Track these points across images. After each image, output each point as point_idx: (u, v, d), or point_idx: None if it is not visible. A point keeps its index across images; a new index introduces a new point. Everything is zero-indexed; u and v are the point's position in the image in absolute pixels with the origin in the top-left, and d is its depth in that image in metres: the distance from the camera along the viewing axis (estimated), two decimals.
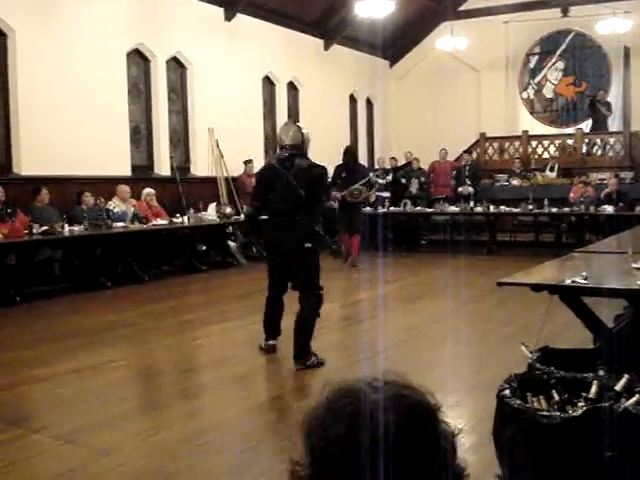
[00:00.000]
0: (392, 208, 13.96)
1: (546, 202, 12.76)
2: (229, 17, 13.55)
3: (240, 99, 13.72)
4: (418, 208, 14.03)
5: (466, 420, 4.17)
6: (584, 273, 3.93)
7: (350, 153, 12.11)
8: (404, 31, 17.73)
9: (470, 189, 14.70)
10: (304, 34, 15.65)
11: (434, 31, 17.92)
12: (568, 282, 3.85)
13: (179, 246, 11.30)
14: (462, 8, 17.51)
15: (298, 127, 5.76)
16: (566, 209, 12.82)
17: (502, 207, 13.38)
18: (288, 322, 5.79)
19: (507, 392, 3.15)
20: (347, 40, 16.72)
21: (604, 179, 14.15)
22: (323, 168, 5.73)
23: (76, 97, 10.55)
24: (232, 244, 12.04)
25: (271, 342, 5.93)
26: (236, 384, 5.34)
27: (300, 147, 5.63)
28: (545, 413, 2.94)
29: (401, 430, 1.09)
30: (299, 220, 5.50)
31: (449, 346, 6.24)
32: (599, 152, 16.17)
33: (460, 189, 14.83)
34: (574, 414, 2.91)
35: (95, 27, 10.90)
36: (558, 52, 17.25)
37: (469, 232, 14.28)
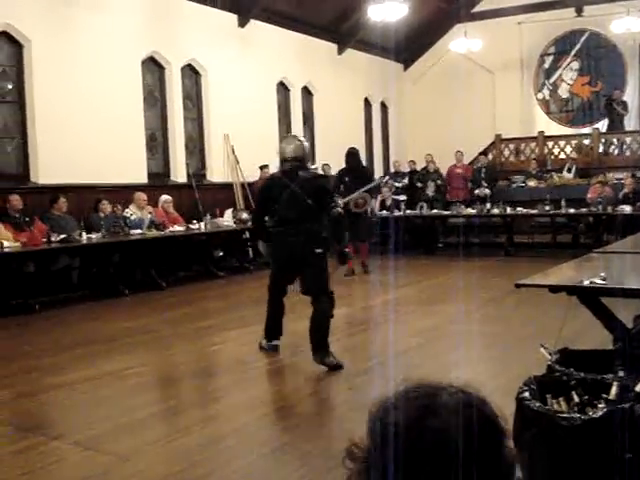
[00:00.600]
0: (408, 211, 13.94)
1: (563, 203, 12.70)
2: (243, 23, 13.60)
3: (255, 105, 13.76)
4: (434, 211, 13.99)
5: None
6: (602, 274, 3.90)
7: (353, 156, 11.10)
8: (418, 34, 17.71)
9: (487, 191, 14.65)
10: (318, 39, 15.68)
11: (448, 33, 17.91)
12: (586, 283, 3.82)
13: (196, 252, 11.33)
14: (475, 10, 17.48)
15: (299, 140, 5.93)
16: (583, 209, 12.75)
17: (519, 209, 13.32)
18: (301, 325, 5.79)
19: (526, 394, 3.13)
20: (361, 44, 16.74)
21: (621, 179, 14.06)
22: (326, 177, 5.98)
23: (92, 105, 10.62)
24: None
25: (275, 342, 6.13)
26: (254, 389, 5.34)
27: (302, 159, 5.79)
28: (565, 415, 2.92)
29: (464, 437, 1.10)
30: (308, 227, 5.68)
31: (467, 348, 6.21)
32: (616, 152, 16.08)
33: (477, 191, 14.79)
34: (594, 416, 2.89)
35: (110, 36, 10.98)
36: (573, 52, 17.18)
37: (486, 234, 14.25)
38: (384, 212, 13.79)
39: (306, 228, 5.67)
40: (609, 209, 12.36)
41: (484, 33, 16.42)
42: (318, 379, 5.48)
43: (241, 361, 6.18)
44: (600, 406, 3.10)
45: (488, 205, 13.45)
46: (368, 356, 6.20)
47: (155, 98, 12.28)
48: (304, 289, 5.83)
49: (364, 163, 13.29)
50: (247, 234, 11.97)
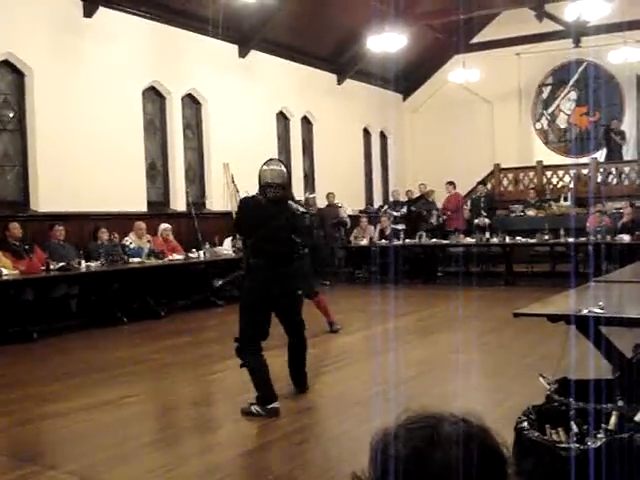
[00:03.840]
0: (407, 240, 13.95)
1: (562, 232, 12.71)
2: (243, 54, 13.72)
3: (255, 134, 13.83)
4: (434, 240, 14.00)
5: None
6: (601, 303, 3.90)
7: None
8: (417, 64, 17.88)
9: (486, 220, 14.68)
10: (317, 69, 15.83)
11: (446, 64, 18.06)
12: (584, 312, 3.81)
13: (195, 281, 11.31)
14: (474, 41, 17.64)
15: (284, 166, 5.57)
16: (582, 239, 12.75)
17: (518, 238, 13.33)
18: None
19: (525, 424, 3.12)
20: (360, 74, 16.89)
21: (620, 208, 14.09)
22: (309, 214, 5.93)
23: (92, 134, 10.68)
24: None
25: (276, 404, 5.25)
26: (252, 418, 5.30)
27: (287, 186, 5.44)
28: (564, 445, 2.91)
29: (466, 467, 1.09)
30: (295, 267, 5.45)
31: (467, 378, 6.18)
32: (614, 181, 16.14)
33: (476, 220, 14.82)
34: (592, 446, 2.87)
35: (111, 65, 11.07)
36: (571, 82, 17.33)
37: (485, 263, 14.24)
38: (383, 241, 13.80)
39: (293, 268, 5.42)
40: (608, 238, 12.37)
41: (483, 64, 16.55)
42: (316, 408, 5.45)
43: (239, 390, 6.14)
44: (599, 436, 3.09)
45: (487, 234, 13.45)
46: (367, 385, 6.17)
47: (155, 127, 12.35)
48: (287, 328, 5.66)
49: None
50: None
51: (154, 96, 12.31)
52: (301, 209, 5.64)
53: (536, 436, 2.98)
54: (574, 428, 3.22)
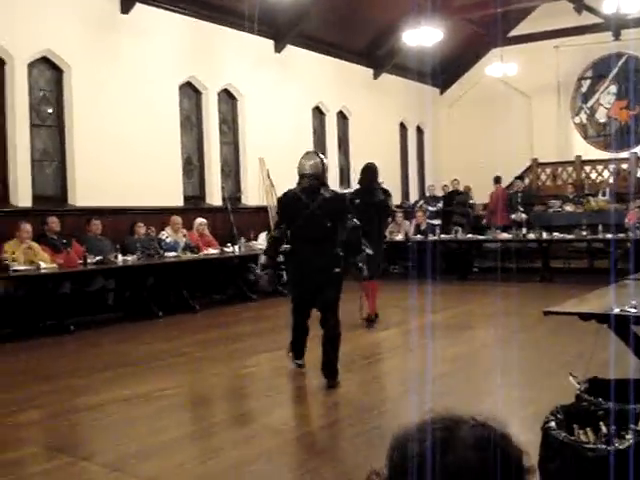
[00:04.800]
0: (443, 235, 13.88)
1: (600, 228, 12.54)
2: (279, 49, 13.75)
3: (290, 129, 13.86)
4: (469, 235, 13.90)
5: None
6: (633, 302, 3.85)
7: (364, 173, 9.29)
8: (454, 58, 17.75)
9: (523, 215, 14.53)
10: (353, 64, 15.80)
11: (484, 58, 17.89)
12: (616, 311, 3.77)
13: (230, 275, 11.38)
14: (512, 34, 17.44)
15: (319, 157, 6.03)
16: (621, 235, 12.56)
17: (555, 233, 13.17)
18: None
19: (552, 424, 3.09)
20: (396, 69, 16.82)
21: None
22: (344, 196, 6.36)
23: (129, 130, 10.80)
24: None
25: (300, 361, 6.27)
26: (284, 412, 5.35)
27: (321, 176, 5.90)
28: (591, 446, 2.88)
29: (480, 472, 1.09)
30: (327, 247, 5.81)
31: (498, 376, 6.13)
32: None
33: (513, 216, 14.67)
34: (620, 447, 2.83)
35: (148, 61, 11.18)
36: (610, 76, 17.04)
37: (522, 259, 14.10)
38: (419, 236, 13.75)
39: (324, 248, 5.79)
40: None
41: (520, 57, 16.38)
42: (347, 404, 5.47)
43: (271, 385, 6.19)
44: (627, 437, 3.05)
45: (524, 230, 13.31)
46: (400, 381, 6.18)
47: (192, 123, 12.44)
48: (318, 305, 5.96)
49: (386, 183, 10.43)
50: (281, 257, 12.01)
51: (190, 92, 12.40)
52: (333, 193, 6.00)
53: (563, 436, 2.95)
54: (603, 429, 3.18)
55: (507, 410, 5.06)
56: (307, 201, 5.80)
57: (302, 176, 5.92)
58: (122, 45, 10.87)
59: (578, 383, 3.79)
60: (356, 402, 5.45)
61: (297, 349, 6.25)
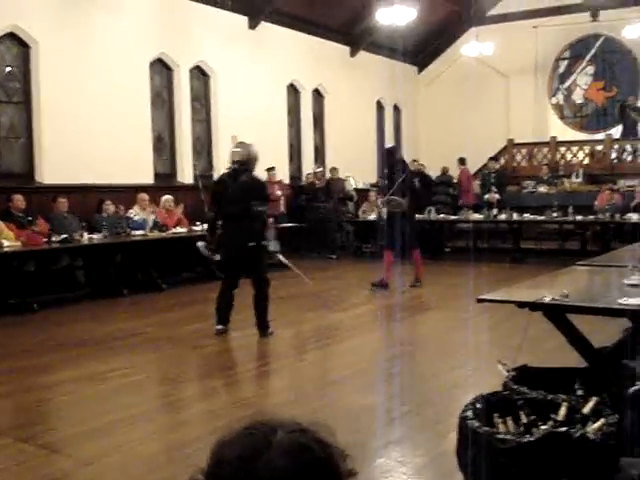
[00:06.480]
0: (416, 215, 13.87)
1: (570, 209, 12.60)
2: (253, 25, 13.65)
3: (264, 107, 13.81)
4: (442, 215, 13.94)
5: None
6: (565, 290, 3.88)
7: (387, 155, 10.53)
8: (432, 37, 17.71)
9: (496, 196, 14.57)
10: (330, 41, 15.71)
11: (462, 36, 17.82)
12: (547, 300, 3.80)
13: (199, 254, 11.33)
14: (490, 13, 17.40)
15: (246, 147, 6.98)
16: (591, 217, 12.64)
17: (526, 215, 13.23)
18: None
19: (469, 413, 3.12)
20: (374, 47, 16.73)
21: (633, 186, 13.93)
22: (260, 180, 7.14)
23: (98, 106, 10.73)
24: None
25: (221, 327, 7.03)
26: (230, 395, 5.39)
27: (245, 163, 6.82)
28: (501, 437, 2.91)
29: (288, 478, 1.11)
30: (246, 224, 6.73)
31: (450, 359, 6.20)
32: (629, 158, 15.93)
33: (486, 196, 14.71)
34: (530, 439, 2.87)
35: (118, 37, 11.08)
36: (588, 57, 17.06)
37: (494, 240, 14.17)
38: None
39: (244, 225, 6.72)
40: (617, 217, 12.25)
41: (499, 37, 16.35)
42: (294, 387, 5.52)
43: (226, 366, 6.25)
44: (543, 427, 3.09)
45: (495, 211, 13.36)
46: (350, 364, 6.21)
47: (163, 99, 12.37)
48: (248, 274, 6.96)
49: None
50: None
51: (162, 68, 12.31)
52: (252, 177, 6.88)
53: (476, 426, 2.98)
54: (523, 418, 3.23)
55: (449, 394, 5.12)
56: (230, 184, 6.80)
57: (232, 163, 6.91)
58: (91, 21, 10.75)
59: (507, 371, 3.84)
60: (303, 385, 5.50)
61: (220, 315, 7.01)
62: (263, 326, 6.92)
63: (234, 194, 6.73)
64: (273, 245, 7.61)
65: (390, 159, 10.18)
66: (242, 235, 6.74)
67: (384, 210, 10.32)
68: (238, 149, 6.97)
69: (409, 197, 9.88)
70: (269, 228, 7.37)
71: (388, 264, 9.93)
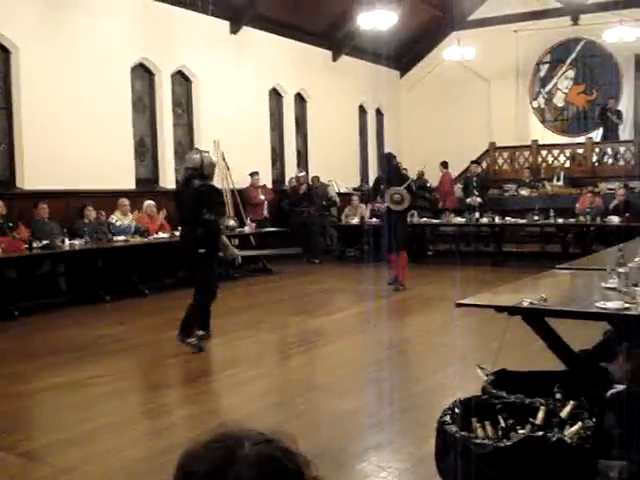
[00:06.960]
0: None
1: (552, 212, 12.68)
2: (235, 30, 13.64)
3: (246, 111, 13.79)
4: (424, 219, 13.98)
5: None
6: (543, 294, 3.90)
7: (382, 160, 11.21)
8: (414, 41, 17.76)
9: (478, 200, 14.62)
10: (312, 45, 15.71)
11: (444, 41, 17.88)
12: (525, 304, 3.82)
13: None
14: (471, 18, 17.48)
15: (200, 153, 6.78)
16: (572, 220, 12.73)
17: (507, 218, 13.32)
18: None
19: (447, 418, 3.14)
20: (356, 51, 16.77)
21: (613, 189, 14.02)
22: (211, 187, 6.72)
23: (80, 112, 10.68)
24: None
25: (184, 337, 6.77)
26: (212, 401, 5.38)
27: (198, 169, 6.59)
28: (479, 441, 2.92)
29: None
30: (192, 230, 6.58)
31: (432, 363, 6.23)
32: (610, 161, 16.04)
33: (468, 200, 14.75)
34: (507, 443, 2.89)
35: (99, 42, 11.03)
36: (568, 61, 17.16)
37: (477, 243, 14.23)
38: (374, 220, 13.78)
39: (193, 231, 6.57)
40: (598, 220, 12.34)
41: (480, 41, 16.38)
42: (279, 390, 5.51)
43: (208, 372, 6.23)
44: (521, 432, 3.11)
45: (477, 214, 13.42)
46: (333, 368, 6.22)
47: (144, 104, 12.32)
48: (191, 282, 6.99)
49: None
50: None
51: (143, 73, 12.27)
52: (203, 183, 6.56)
53: (454, 431, 2.99)
54: (501, 422, 3.24)
55: (432, 398, 5.14)
56: (183, 189, 6.77)
57: (186, 169, 6.88)
58: (73, 26, 10.71)
59: (486, 375, 3.86)
60: (286, 390, 5.49)
61: (183, 325, 6.82)
62: (182, 331, 6.71)
63: (184, 200, 6.69)
64: (230, 253, 7.27)
65: (389, 164, 10.60)
66: (187, 241, 6.75)
67: (383, 206, 10.36)
68: (192, 155, 6.86)
69: (409, 198, 10.18)
70: (222, 236, 6.96)
71: (404, 264, 10.27)
